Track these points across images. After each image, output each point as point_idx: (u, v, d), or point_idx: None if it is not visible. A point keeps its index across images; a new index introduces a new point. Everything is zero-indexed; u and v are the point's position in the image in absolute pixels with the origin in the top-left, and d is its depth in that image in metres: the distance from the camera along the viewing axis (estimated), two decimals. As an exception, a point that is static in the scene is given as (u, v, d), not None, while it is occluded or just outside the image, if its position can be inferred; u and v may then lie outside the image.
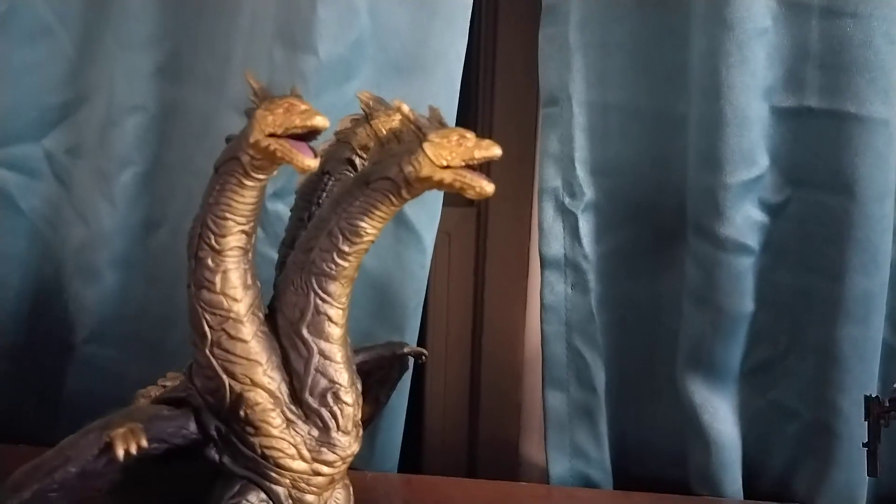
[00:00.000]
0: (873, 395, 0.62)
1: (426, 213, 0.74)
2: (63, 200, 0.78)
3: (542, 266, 0.75)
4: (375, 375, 0.58)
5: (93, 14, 0.74)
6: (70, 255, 0.78)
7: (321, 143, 0.52)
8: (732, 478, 0.74)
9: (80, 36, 0.75)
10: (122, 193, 0.75)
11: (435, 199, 0.74)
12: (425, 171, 0.41)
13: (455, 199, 0.86)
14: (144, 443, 0.39)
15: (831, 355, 0.70)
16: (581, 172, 0.73)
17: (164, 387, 0.50)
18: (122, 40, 0.73)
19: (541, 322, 0.76)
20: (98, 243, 0.76)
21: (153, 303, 0.77)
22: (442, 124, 0.43)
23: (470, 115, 0.84)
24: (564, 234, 0.75)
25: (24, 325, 0.79)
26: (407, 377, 0.72)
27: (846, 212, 0.68)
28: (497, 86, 0.84)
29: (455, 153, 0.41)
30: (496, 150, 0.41)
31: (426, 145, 0.41)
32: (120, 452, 0.38)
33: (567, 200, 0.74)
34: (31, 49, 0.74)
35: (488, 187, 0.41)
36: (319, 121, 0.39)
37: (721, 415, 0.73)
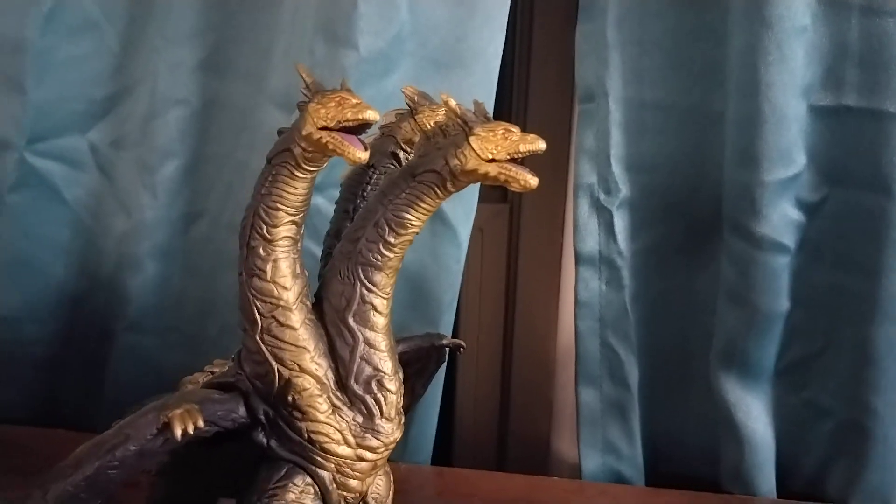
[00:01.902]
0: (910, 395, 0.63)
1: (462, 207, 0.74)
2: (106, 191, 0.79)
3: (577, 262, 0.76)
4: (413, 366, 0.59)
5: (137, 9, 0.76)
6: (112, 246, 0.79)
7: (365, 138, 0.53)
8: (765, 477, 0.74)
9: (125, 30, 0.76)
10: (163, 185, 0.76)
11: (471, 194, 0.75)
12: (471, 164, 0.42)
13: (488, 194, 0.87)
14: (201, 423, 0.40)
15: (867, 355, 0.70)
16: (617, 169, 0.74)
17: (211, 373, 0.51)
18: (166, 34, 0.75)
19: (575, 318, 0.76)
20: (140, 234, 0.77)
21: (192, 293, 0.79)
22: (487, 118, 0.43)
23: (505, 111, 0.85)
24: (599, 231, 0.75)
25: (67, 313, 0.81)
26: (440, 371, 0.73)
27: (883, 211, 0.68)
28: (533, 82, 0.84)
29: (500, 147, 0.41)
30: (541, 144, 0.41)
31: (472, 139, 0.42)
32: (178, 432, 0.39)
33: (602, 197, 0.74)
34: (77, 43, 0.76)
35: (532, 180, 0.41)
36: (371, 114, 0.40)
37: (755, 413, 0.73)
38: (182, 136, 0.76)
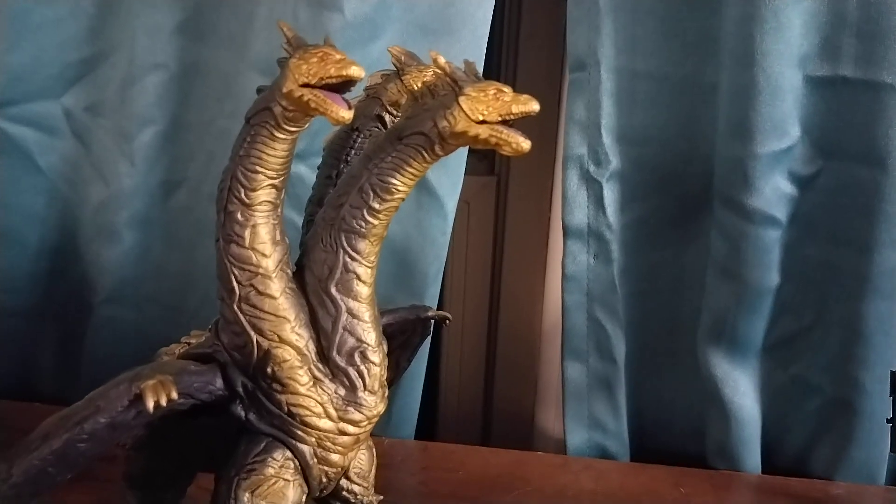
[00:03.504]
0: (899, 371, 0.62)
1: (449, 178, 0.73)
2: (82, 159, 0.77)
3: (565, 235, 0.74)
4: (397, 339, 0.57)
5: (114, -30, 0.73)
6: (89, 215, 0.77)
7: (351, 100, 0.51)
8: (751, 452, 0.73)
9: (101, -8, 0.74)
10: (141, 153, 0.74)
11: (458, 164, 0.73)
12: (460, 125, 0.40)
13: (476, 167, 0.85)
14: (175, 395, 0.39)
15: (856, 330, 0.70)
16: (607, 140, 0.72)
17: (188, 344, 0.50)
18: (144, -4, 0.72)
19: (562, 292, 0.75)
20: (117, 203, 0.75)
21: (172, 263, 0.77)
22: (478, 78, 0.41)
23: (493, 79, 0.82)
24: (588, 203, 0.74)
25: (43, 285, 0.79)
26: (425, 345, 0.72)
27: (878, 185, 0.67)
28: (522, 49, 0.83)
29: (492, 107, 0.40)
30: (534, 105, 0.40)
31: (462, 99, 0.40)
32: (150, 404, 0.38)
33: (592, 168, 0.73)
34: (52, 5, 0.73)
35: (525, 143, 0.40)
36: (355, 70, 0.38)
37: (742, 389, 0.73)
38: (161, 102, 0.74)
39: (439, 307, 0.79)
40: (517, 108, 0.39)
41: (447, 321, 0.59)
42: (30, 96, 0.75)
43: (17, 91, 0.74)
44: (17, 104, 0.75)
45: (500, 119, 0.39)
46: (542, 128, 0.82)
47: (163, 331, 0.72)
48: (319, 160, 0.53)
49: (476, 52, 0.70)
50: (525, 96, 0.39)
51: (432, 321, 0.59)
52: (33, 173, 0.77)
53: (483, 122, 0.40)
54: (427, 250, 0.74)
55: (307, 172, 0.67)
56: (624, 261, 0.75)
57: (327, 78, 0.38)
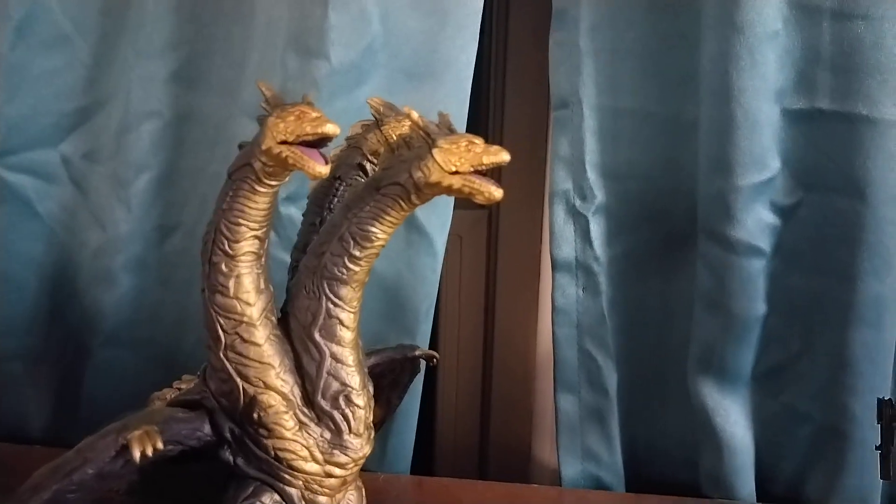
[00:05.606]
0: (886, 398, 0.62)
1: (437, 216, 0.74)
2: (80, 205, 0.78)
3: (554, 269, 0.76)
4: (387, 378, 0.58)
5: (109, 22, 0.75)
6: (86, 260, 0.79)
7: (332, 149, 0.53)
8: (744, 481, 0.74)
9: (97, 43, 0.76)
10: (137, 198, 0.76)
11: (446, 202, 0.74)
12: (434, 176, 0.41)
13: (466, 202, 0.86)
14: (160, 445, 0.40)
15: (843, 359, 0.70)
16: (592, 175, 0.73)
17: (178, 389, 0.51)
18: (138, 47, 0.74)
19: (552, 325, 0.76)
20: (114, 247, 0.77)
21: (168, 307, 0.78)
22: (451, 130, 0.43)
23: (481, 120, 0.84)
24: (575, 237, 0.75)
25: (41, 328, 0.80)
26: (419, 380, 0.73)
27: (858, 214, 0.68)
28: (508, 90, 0.84)
29: (464, 159, 0.41)
30: (504, 156, 0.41)
31: (435, 151, 0.41)
32: (136, 454, 0.39)
33: (578, 203, 0.74)
34: (49, 56, 0.75)
35: (496, 192, 0.41)
36: (330, 128, 0.40)
37: (733, 418, 0.73)
38: (155, 149, 0.75)
39: (433, 340, 0.80)
40: (488, 159, 0.41)
41: (434, 360, 0.60)
42: (28, 145, 0.77)
43: (16, 140, 0.76)
44: (16, 153, 0.76)
45: (472, 169, 0.41)
46: (532, 164, 0.83)
47: (159, 372, 0.74)
48: (308, 203, 0.54)
49: (460, 94, 0.71)
50: (495, 147, 0.41)
51: (421, 360, 0.60)
52: (32, 220, 0.78)
53: (456, 172, 0.41)
54: (418, 288, 0.75)
55: (298, 214, 0.68)
56: (612, 293, 0.76)
57: (304, 136, 0.40)
